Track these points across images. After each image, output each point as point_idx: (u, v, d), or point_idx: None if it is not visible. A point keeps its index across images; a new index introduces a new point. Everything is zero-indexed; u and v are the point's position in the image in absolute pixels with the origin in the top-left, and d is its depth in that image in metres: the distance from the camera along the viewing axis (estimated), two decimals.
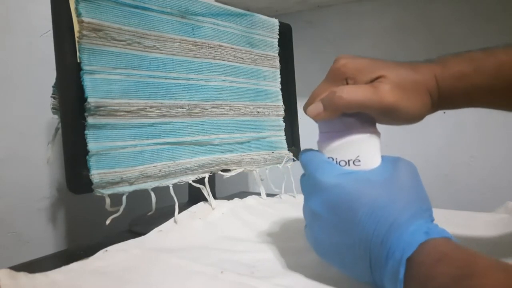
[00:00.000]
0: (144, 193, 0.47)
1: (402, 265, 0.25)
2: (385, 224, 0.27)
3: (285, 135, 0.69)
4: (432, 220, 0.29)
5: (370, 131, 0.32)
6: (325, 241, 0.31)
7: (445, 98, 0.33)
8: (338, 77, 0.33)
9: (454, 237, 0.26)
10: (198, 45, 0.55)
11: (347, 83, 0.33)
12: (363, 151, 0.31)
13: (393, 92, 0.30)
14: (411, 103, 0.31)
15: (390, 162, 0.31)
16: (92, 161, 0.42)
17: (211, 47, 0.56)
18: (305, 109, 0.34)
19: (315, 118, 0.33)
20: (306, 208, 0.33)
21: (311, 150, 0.34)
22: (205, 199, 0.54)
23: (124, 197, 0.44)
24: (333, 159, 0.32)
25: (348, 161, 0.31)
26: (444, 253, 0.24)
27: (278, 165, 0.66)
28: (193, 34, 0.54)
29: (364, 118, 0.32)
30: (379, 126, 0.33)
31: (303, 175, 0.34)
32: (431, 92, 0.32)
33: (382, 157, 0.32)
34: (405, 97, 0.31)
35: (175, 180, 0.51)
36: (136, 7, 0.47)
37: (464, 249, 0.24)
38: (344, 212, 0.29)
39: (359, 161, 0.31)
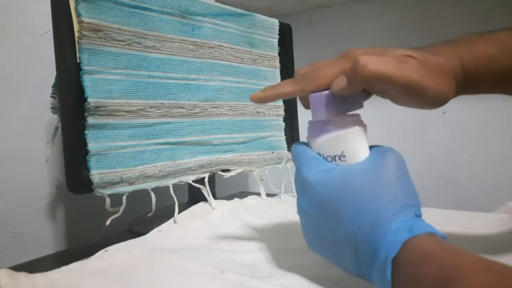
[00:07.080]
0: (144, 193, 0.47)
1: (388, 267, 0.24)
2: (369, 222, 0.27)
3: (285, 135, 0.69)
4: (419, 215, 0.28)
5: (355, 125, 0.31)
6: (316, 237, 0.31)
7: (469, 82, 0.31)
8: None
9: (443, 233, 0.26)
10: (198, 45, 0.55)
11: None
12: (347, 146, 0.31)
13: (421, 70, 0.28)
14: (437, 84, 0.29)
15: (377, 155, 0.30)
16: (92, 161, 0.42)
17: (211, 47, 0.56)
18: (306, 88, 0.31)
19: (340, 92, 0.30)
20: (297, 205, 0.33)
21: (301, 144, 0.34)
22: (205, 199, 0.54)
23: (124, 197, 0.44)
24: (320, 154, 0.32)
25: (334, 156, 0.31)
26: (428, 252, 0.23)
27: (277, 165, 0.66)
28: (193, 34, 0.54)
29: (351, 105, 0.31)
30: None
31: (296, 171, 0.33)
32: (457, 75, 0.30)
33: (371, 148, 0.32)
34: (431, 78, 0.29)
35: (175, 180, 0.51)
36: (136, 7, 0.47)
37: (448, 247, 0.24)
38: (328, 210, 0.29)
39: (345, 156, 0.31)
